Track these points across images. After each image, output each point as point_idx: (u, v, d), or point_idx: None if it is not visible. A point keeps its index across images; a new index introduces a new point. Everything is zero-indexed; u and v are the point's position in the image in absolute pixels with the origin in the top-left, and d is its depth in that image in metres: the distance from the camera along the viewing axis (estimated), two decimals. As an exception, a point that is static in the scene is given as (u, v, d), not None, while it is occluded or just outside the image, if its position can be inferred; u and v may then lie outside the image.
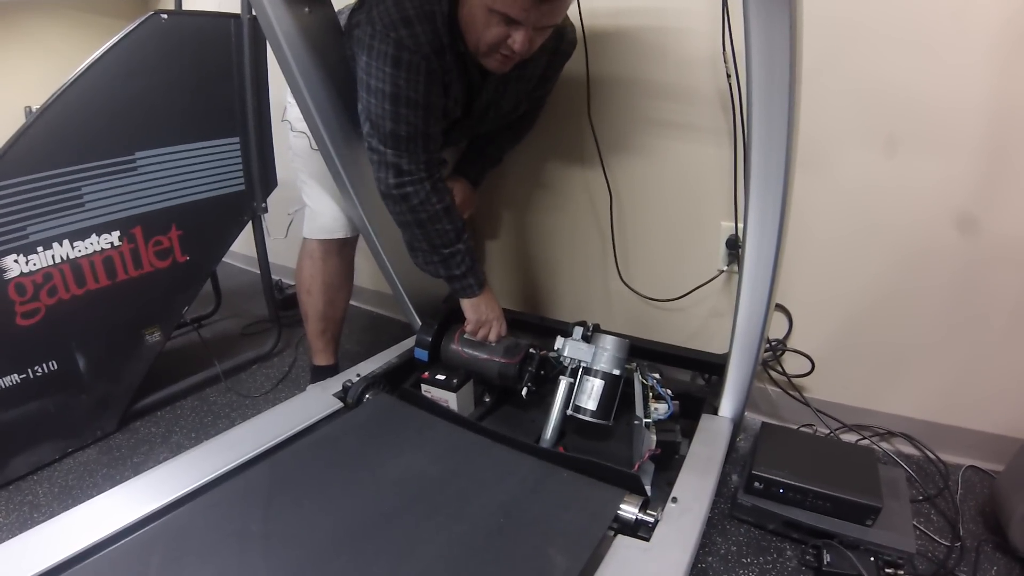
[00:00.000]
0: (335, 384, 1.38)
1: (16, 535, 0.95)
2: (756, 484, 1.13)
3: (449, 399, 1.33)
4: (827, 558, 1.03)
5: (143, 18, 1.50)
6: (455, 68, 1.19)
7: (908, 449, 1.40)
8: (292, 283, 2.41)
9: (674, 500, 0.96)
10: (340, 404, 1.32)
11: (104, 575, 0.86)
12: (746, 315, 1.08)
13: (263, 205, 1.81)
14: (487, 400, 1.47)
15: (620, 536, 0.90)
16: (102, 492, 1.04)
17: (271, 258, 1.97)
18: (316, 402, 1.31)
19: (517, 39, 1.06)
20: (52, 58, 3.35)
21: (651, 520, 0.92)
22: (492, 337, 1.38)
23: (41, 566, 0.86)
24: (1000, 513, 1.12)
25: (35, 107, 3.61)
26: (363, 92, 1.17)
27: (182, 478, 1.06)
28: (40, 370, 1.44)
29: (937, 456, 1.35)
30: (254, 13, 1.63)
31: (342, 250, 1.55)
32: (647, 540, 0.89)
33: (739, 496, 1.16)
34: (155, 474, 1.09)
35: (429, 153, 1.21)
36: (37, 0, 3.21)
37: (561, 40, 1.34)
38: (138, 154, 1.52)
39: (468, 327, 1.39)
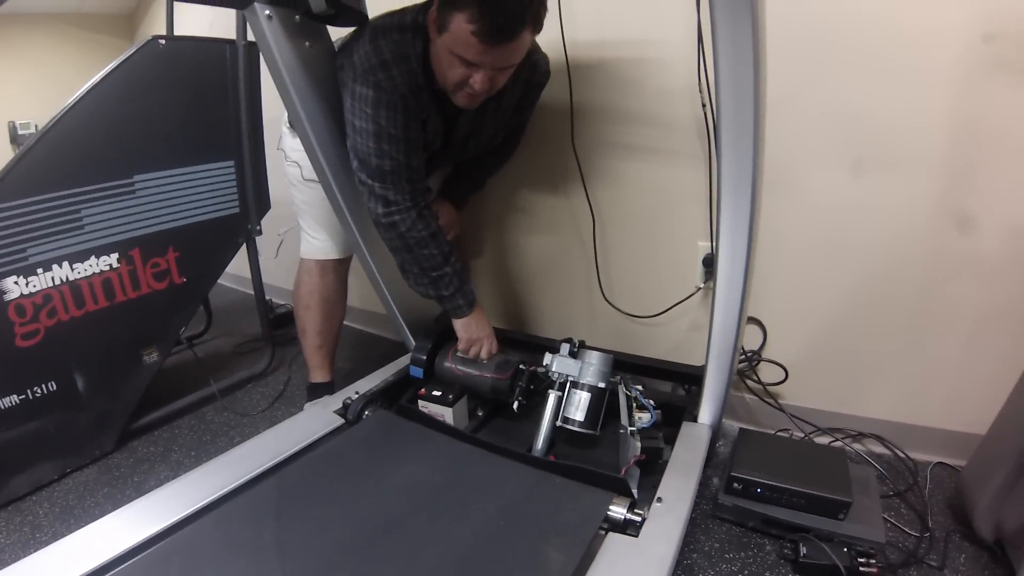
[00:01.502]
0: (334, 402, 1.46)
1: (18, 555, 1.01)
2: (735, 485, 1.24)
3: (445, 414, 1.42)
4: (803, 550, 1.13)
5: (141, 43, 1.57)
6: (432, 104, 1.30)
7: (879, 449, 1.51)
8: (282, 302, 2.49)
9: (659, 500, 1.06)
10: (341, 420, 1.40)
11: None
12: (720, 328, 1.19)
13: (257, 227, 1.89)
14: (480, 414, 1.56)
15: (611, 534, 1.00)
16: (104, 511, 1.10)
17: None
18: (318, 419, 1.39)
19: (477, 79, 1.17)
20: (39, 72, 3.42)
21: (638, 519, 1.02)
22: (483, 354, 1.48)
23: None
24: (965, 504, 1.23)
25: (19, 122, 3.63)
26: (349, 130, 1.28)
27: (191, 495, 1.12)
28: (39, 391, 1.48)
29: (907, 455, 1.47)
30: (250, 40, 1.72)
31: (337, 268, 1.65)
32: (636, 536, 0.99)
33: (720, 497, 1.26)
34: (164, 492, 1.15)
35: (413, 183, 1.32)
36: (24, 14, 3.27)
37: (534, 72, 1.45)
38: (136, 177, 1.59)
39: (460, 345, 1.49)
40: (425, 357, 1.53)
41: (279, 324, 2.33)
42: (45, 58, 3.46)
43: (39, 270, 1.44)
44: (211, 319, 2.25)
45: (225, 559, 0.98)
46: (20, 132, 3.48)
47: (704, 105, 1.40)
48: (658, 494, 1.08)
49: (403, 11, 1.24)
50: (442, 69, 1.20)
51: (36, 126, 3.52)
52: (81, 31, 3.53)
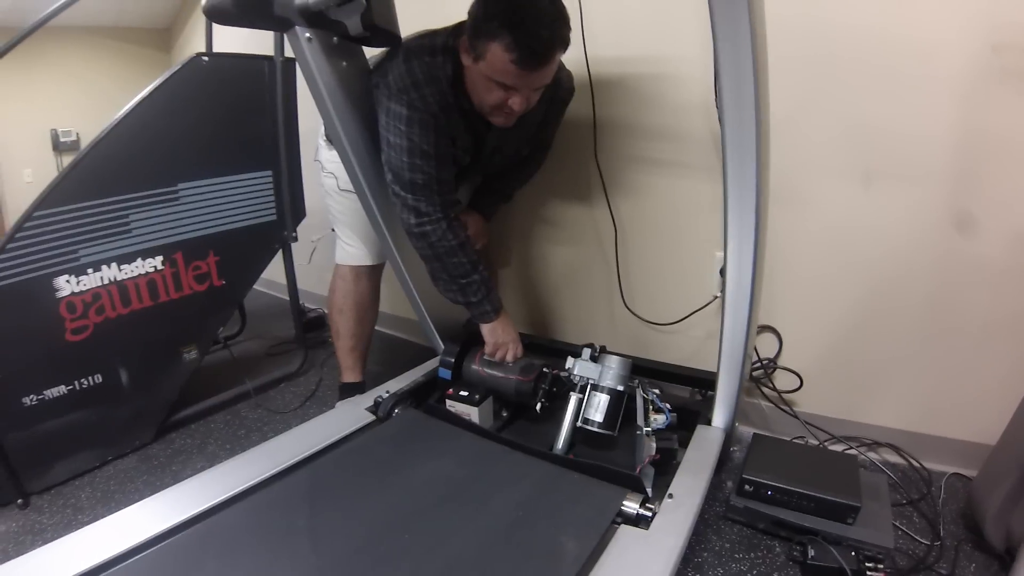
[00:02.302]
0: (366, 400, 1.56)
1: (60, 535, 1.08)
2: (747, 487, 1.31)
3: (472, 413, 1.52)
4: (811, 553, 1.18)
5: (185, 60, 1.71)
6: (461, 123, 1.41)
7: (895, 458, 1.56)
8: (313, 307, 2.61)
9: (670, 496, 1.14)
10: (372, 417, 1.51)
11: (167, 563, 1.03)
12: (730, 336, 1.27)
13: (293, 234, 2.02)
14: (504, 414, 1.65)
15: (623, 526, 1.09)
16: (143, 497, 1.18)
17: (293, 283, 2.17)
18: (350, 415, 1.50)
19: (516, 101, 1.28)
20: (77, 83, 3.65)
21: (650, 513, 1.10)
22: (509, 358, 1.58)
23: (109, 554, 1.02)
24: (976, 513, 1.27)
25: (61, 130, 3.89)
26: (384, 145, 1.39)
27: (227, 482, 1.22)
28: (86, 383, 1.61)
29: (921, 464, 1.52)
30: (287, 56, 1.85)
31: (371, 275, 1.76)
32: (646, 529, 1.07)
33: (732, 498, 1.33)
34: (201, 479, 1.25)
35: (443, 196, 1.42)
36: (66, 27, 3.47)
37: (558, 89, 1.55)
38: (180, 185, 1.72)
39: (487, 349, 1.59)
40: (453, 360, 1.63)
41: (311, 328, 2.45)
42: (86, 70, 3.67)
43: (89, 270, 1.56)
44: (245, 321, 2.38)
45: (259, 542, 1.07)
46: (62, 139, 3.70)
47: (720, 120, 1.48)
48: (670, 491, 1.15)
49: (434, 34, 1.35)
50: (479, 93, 1.31)
51: (77, 134, 3.75)
52: (120, 43, 3.73)
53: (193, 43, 3.55)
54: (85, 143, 3.73)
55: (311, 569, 1.01)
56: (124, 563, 1.01)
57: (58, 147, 3.73)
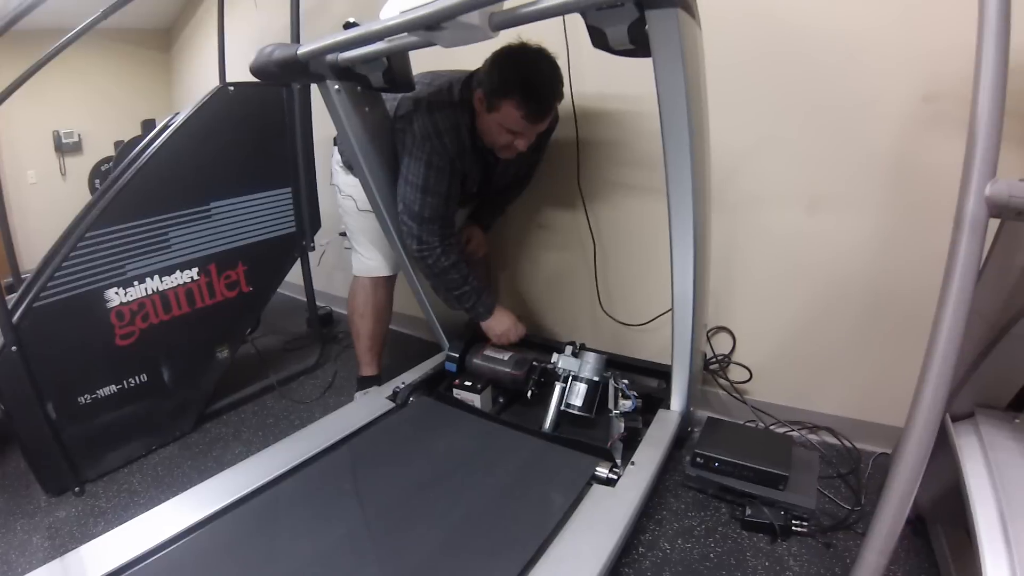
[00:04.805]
0: (384, 391, 1.97)
1: (120, 516, 1.36)
2: (698, 459, 1.69)
3: (475, 399, 1.95)
4: (748, 511, 1.57)
5: (212, 91, 2.06)
6: (474, 159, 1.81)
7: (832, 440, 1.92)
8: (322, 305, 3.00)
9: (632, 463, 1.55)
10: (392, 405, 1.92)
11: (249, 523, 1.40)
12: (679, 334, 1.67)
13: (311, 244, 2.41)
14: (501, 400, 2.09)
15: (596, 485, 1.50)
16: (190, 479, 1.47)
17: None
18: (373, 404, 1.91)
19: (521, 143, 1.70)
20: (79, 84, 3.92)
21: (616, 476, 1.51)
22: (513, 339, 2.00)
23: (191, 521, 1.37)
24: None
25: (63, 131, 4.13)
26: (402, 181, 1.77)
27: (281, 460, 1.59)
28: (133, 381, 1.94)
29: (854, 445, 1.87)
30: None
31: (387, 284, 2.15)
32: (613, 488, 1.49)
33: (687, 469, 1.73)
34: (258, 459, 1.62)
35: (443, 228, 1.81)
36: (67, 30, 3.71)
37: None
38: (212, 203, 2.06)
39: (492, 340, 2.01)
40: (458, 355, 2.07)
41: (321, 324, 2.81)
42: (87, 70, 3.89)
43: (135, 282, 1.89)
44: (259, 320, 2.72)
45: (316, 505, 1.47)
46: (64, 141, 3.97)
47: (665, 164, 1.79)
48: (632, 459, 1.57)
49: (450, 89, 1.73)
50: (492, 135, 1.71)
51: (79, 135, 4.02)
52: (121, 45, 3.97)
53: (193, 45, 3.85)
54: (87, 144, 4.05)
55: (359, 521, 1.42)
56: (213, 523, 1.39)
57: (60, 148, 3.94)
